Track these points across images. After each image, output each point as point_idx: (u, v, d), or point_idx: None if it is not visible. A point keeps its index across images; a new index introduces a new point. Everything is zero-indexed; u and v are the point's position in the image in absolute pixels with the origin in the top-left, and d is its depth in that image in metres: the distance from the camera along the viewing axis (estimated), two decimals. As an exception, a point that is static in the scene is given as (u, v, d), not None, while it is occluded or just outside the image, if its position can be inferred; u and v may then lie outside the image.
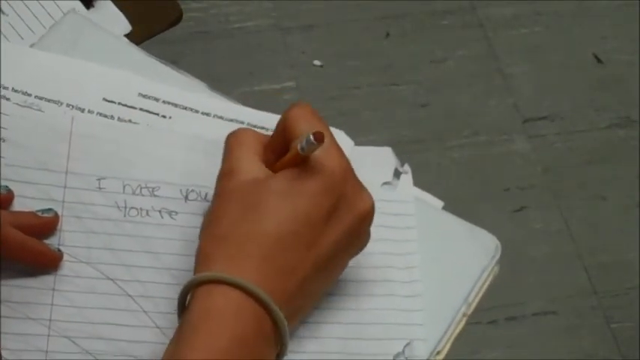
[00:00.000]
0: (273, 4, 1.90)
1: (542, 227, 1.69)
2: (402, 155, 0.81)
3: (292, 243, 0.65)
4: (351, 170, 0.68)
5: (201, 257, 0.66)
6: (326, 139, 0.66)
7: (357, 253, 0.71)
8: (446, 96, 1.82)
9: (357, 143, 0.80)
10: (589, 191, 1.73)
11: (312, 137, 0.64)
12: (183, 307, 0.66)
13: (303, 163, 0.67)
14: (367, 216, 0.69)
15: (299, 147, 0.65)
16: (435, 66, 1.85)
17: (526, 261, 1.63)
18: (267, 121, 0.80)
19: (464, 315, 0.74)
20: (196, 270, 0.66)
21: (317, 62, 1.84)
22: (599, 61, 1.88)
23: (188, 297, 0.66)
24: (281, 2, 1.90)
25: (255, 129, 0.79)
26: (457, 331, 0.73)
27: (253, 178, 0.67)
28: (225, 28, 1.87)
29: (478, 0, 1.93)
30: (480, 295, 0.74)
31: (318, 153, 0.66)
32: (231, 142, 0.70)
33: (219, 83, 0.82)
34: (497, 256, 0.76)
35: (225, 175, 0.69)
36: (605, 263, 1.66)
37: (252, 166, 0.68)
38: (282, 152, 0.69)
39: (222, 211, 0.67)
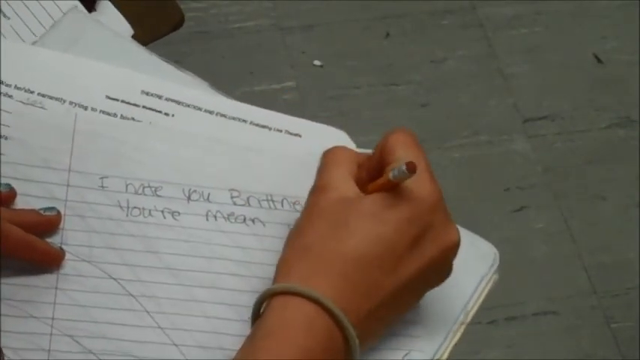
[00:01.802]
0: (273, 4, 1.90)
1: (542, 227, 1.69)
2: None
3: (372, 266, 0.65)
4: (442, 201, 0.68)
5: (283, 267, 0.67)
6: (420, 168, 0.66)
7: (436, 285, 0.70)
8: (446, 96, 1.82)
9: (358, 143, 0.79)
10: (589, 191, 1.74)
11: (404, 167, 0.64)
12: (257, 315, 0.67)
13: (394, 189, 0.67)
14: (452, 249, 0.69)
15: (391, 175, 0.66)
16: (435, 66, 1.86)
17: (526, 261, 1.63)
18: (270, 120, 0.79)
19: (462, 324, 0.73)
20: (276, 278, 0.67)
21: (317, 62, 1.85)
22: (599, 61, 1.88)
23: (263, 305, 0.66)
24: (281, 2, 1.91)
25: (257, 128, 0.79)
26: (455, 340, 0.73)
27: (344, 197, 0.68)
28: (225, 28, 1.87)
29: (478, 0, 1.93)
30: (479, 304, 0.74)
31: (411, 180, 0.66)
32: (328, 159, 0.72)
33: (219, 83, 0.82)
34: (496, 266, 0.76)
35: (318, 190, 0.70)
36: (605, 263, 1.66)
37: (344, 185, 0.69)
38: (376, 173, 0.69)
39: (310, 225, 0.68)
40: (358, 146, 0.79)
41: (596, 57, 1.89)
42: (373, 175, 0.69)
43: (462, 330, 0.73)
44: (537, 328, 1.60)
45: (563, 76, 1.86)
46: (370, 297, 0.65)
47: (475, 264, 0.76)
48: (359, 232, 0.66)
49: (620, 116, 1.82)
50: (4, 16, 0.83)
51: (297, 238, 0.68)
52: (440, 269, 0.69)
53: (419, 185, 0.67)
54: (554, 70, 1.86)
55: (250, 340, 0.64)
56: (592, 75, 1.86)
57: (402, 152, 0.68)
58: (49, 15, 0.83)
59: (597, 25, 1.92)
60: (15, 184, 0.73)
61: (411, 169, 0.64)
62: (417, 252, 0.67)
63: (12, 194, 0.73)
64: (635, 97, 1.83)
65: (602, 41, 1.90)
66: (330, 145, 0.78)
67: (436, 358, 0.72)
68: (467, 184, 1.72)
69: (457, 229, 0.69)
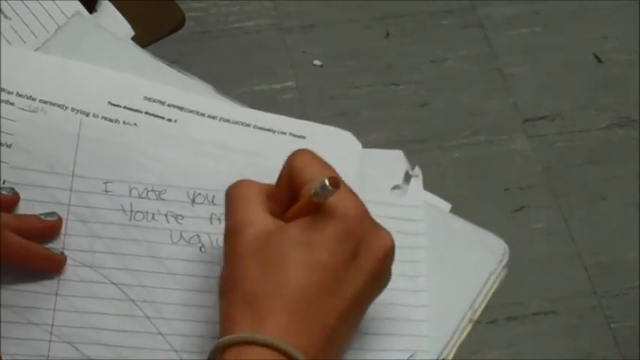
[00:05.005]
0: (273, 4, 1.90)
1: (542, 227, 1.69)
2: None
3: (316, 294, 0.63)
4: (366, 210, 0.66)
5: (227, 320, 0.64)
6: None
7: (379, 293, 0.68)
8: (446, 96, 1.82)
9: (357, 144, 0.80)
10: (589, 191, 1.74)
11: (327, 183, 0.62)
12: None
13: (316, 210, 0.64)
14: (388, 255, 0.66)
15: (314, 194, 0.63)
16: (435, 66, 1.85)
17: (526, 261, 1.63)
18: (274, 123, 0.79)
19: (470, 321, 0.73)
20: (222, 333, 0.63)
21: (317, 62, 1.84)
22: (599, 61, 1.88)
23: None
24: (281, 2, 1.90)
25: (261, 131, 0.79)
26: (462, 337, 0.72)
27: (265, 230, 0.65)
28: (225, 28, 1.87)
29: (478, 0, 1.93)
30: (487, 299, 0.74)
31: (332, 197, 0.64)
32: (234, 195, 0.68)
33: (219, 83, 0.82)
34: (505, 260, 0.75)
35: (235, 231, 0.66)
36: (605, 263, 1.66)
37: (261, 219, 0.66)
38: (288, 202, 0.67)
39: (241, 270, 0.64)
40: (363, 146, 0.79)
41: (596, 57, 1.89)
42: (285, 204, 0.67)
43: (469, 328, 0.73)
44: (537, 328, 1.60)
45: (563, 76, 1.86)
46: (321, 325, 0.63)
47: (483, 260, 0.75)
48: (294, 264, 0.63)
49: (620, 116, 1.82)
50: (5, 16, 0.82)
51: (232, 287, 0.64)
52: (380, 278, 0.67)
53: (340, 200, 0.64)
54: (554, 70, 1.86)
55: None
56: (592, 75, 1.86)
57: (312, 171, 0.66)
58: (50, 15, 0.83)
59: (597, 25, 1.92)
60: (19, 190, 0.73)
61: (335, 183, 0.62)
62: (355, 267, 0.65)
63: (15, 198, 0.73)
64: (635, 97, 1.83)
65: (602, 41, 1.90)
66: (336, 147, 0.78)
67: (442, 357, 0.71)
68: (467, 184, 1.71)
69: (389, 233, 0.67)
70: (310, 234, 0.64)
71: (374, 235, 0.66)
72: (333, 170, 0.67)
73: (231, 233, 0.66)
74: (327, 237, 0.64)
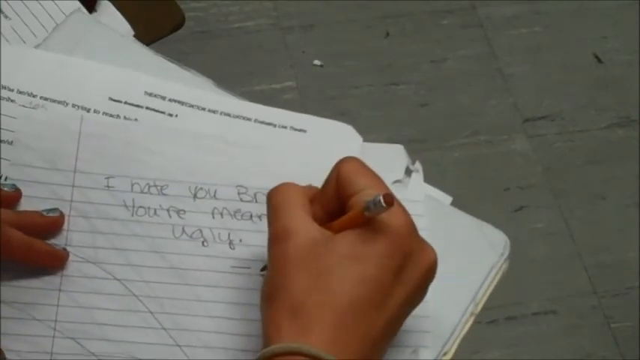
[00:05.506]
0: (273, 4, 1.90)
1: (542, 227, 1.69)
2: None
3: (364, 308, 0.63)
4: (414, 226, 0.66)
5: (272, 328, 0.63)
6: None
7: (416, 307, 0.68)
8: (446, 96, 1.82)
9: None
10: (589, 191, 1.74)
11: (382, 200, 0.61)
12: None
13: (366, 223, 0.64)
14: (432, 270, 0.66)
15: (364, 207, 0.63)
16: (435, 66, 1.85)
17: (526, 261, 1.63)
18: (275, 117, 0.79)
19: (471, 314, 0.73)
20: (267, 341, 0.63)
21: (317, 62, 1.85)
22: (599, 61, 1.88)
23: None
24: (281, 2, 1.90)
25: (262, 125, 0.79)
26: (464, 330, 0.72)
27: (313, 240, 0.64)
28: (225, 28, 1.87)
29: (478, 0, 1.93)
30: (488, 293, 0.73)
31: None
32: (277, 199, 0.67)
33: (219, 83, 0.82)
34: (507, 254, 0.75)
35: (280, 237, 0.65)
36: (605, 263, 1.66)
37: (307, 227, 0.65)
38: (334, 207, 0.67)
39: (289, 279, 0.63)
40: (368, 143, 0.79)
41: (596, 57, 1.89)
42: (330, 209, 0.67)
43: (471, 321, 0.73)
44: (537, 328, 1.60)
45: (563, 76, 1.86)
46: (367, 338, 0.63)
47: (485, 253, 0.75)
48: (343, 277, 0.63)
49: (620, 116, 1.82)
50: (5, 16, 0.83)
51: (278, 295, 0.64)
52: (422, 291, 0.67)
53: (392, 216, 0.64)
54: (554, 70, 1.86)
55: None
56: (592, 75, 1.86)
57: (362, 181, 0.66)
58: (50, 15, 0.83)
59: (597, 25, 1.92)
60: (20, 186, 0.73)
61: (389, 201, 0.62)
62: (401, 281, 0.64)
63: (17, 194, 0.73)
64: (635, 97, 1.83)
65: (602, 41, 1.90)
66: (336, 140, 0.78)
67: (444, 351, 0.71)
68: (467, 184, 1.71)
69: (433, 249, 0.67)
70: (360, 248, 0.63)
71: (420, 250, 0.66)
72: (383, 184, 0.67)
73: (276, 240, 0.66)
74: (377, 252, 0.63)
